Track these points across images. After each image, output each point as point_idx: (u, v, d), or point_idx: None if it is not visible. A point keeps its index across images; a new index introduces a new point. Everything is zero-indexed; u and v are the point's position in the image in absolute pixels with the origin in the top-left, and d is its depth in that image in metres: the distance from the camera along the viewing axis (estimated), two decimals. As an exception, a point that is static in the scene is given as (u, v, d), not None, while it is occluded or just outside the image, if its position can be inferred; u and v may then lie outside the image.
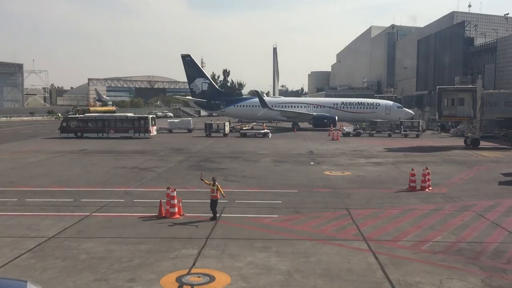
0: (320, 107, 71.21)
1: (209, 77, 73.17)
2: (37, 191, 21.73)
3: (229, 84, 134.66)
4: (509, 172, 28.25)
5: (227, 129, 57.12)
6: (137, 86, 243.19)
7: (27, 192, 21.49)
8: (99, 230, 15.45)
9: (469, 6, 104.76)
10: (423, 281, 11.36)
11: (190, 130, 62.64)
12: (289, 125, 70.87)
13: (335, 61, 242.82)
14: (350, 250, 13.75)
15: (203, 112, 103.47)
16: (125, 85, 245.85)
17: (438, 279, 11.45)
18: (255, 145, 45.08)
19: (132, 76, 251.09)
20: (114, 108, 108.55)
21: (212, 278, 11.35)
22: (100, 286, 10.84)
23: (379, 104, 70.97)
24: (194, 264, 12.29)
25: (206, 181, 17.48)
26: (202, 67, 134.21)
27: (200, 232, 15.30)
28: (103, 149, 40.94)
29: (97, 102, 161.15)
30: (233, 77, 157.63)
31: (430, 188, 23.25)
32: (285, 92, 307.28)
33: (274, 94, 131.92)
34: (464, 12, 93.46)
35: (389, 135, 57.88)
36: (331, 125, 65.22)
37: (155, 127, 54.52)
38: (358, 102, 71.59)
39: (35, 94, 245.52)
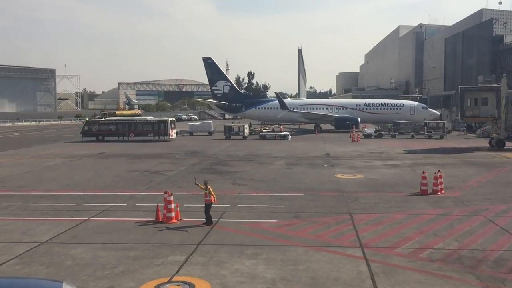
0: (343, 109, 70.23)
1: (230, 79, 73.20)
2: (43, 195, 21.93)
3: (254, 87, 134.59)
4: (530, 175, 27.06)
5: (246, 131, 56.90)
6: (165, 89, 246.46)
7: (33, 196, 21.71)
8: (92, 235, 15.38)
9: (500, 3, 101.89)
10: (412, 291, 10.81)
11: (210, 133, 62.71)
12: (311, 127, 70.30)
13: (364, 62, 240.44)
14: (343, 257, 13.26)
15: (228, 115, 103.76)
16: (154, 89, 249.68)
17: (428, 290, 10.88)
18: (272, 148, 44.71)
19: (161, 79, 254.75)
20: (139, 111, 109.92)
21: (191, 286, 11.07)
22: (77, 293, 10.69)
23: (403, 104, 69.50)
24: (177, 272, 12.03)
25: (200, 185, 17.23)
26: (226, 69, 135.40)
27: (193, 238, 15.05)
28: (120, 153, 41.31)
29: (126, 105, 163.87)
30: (259, 80, 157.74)
31: (443, 191, 22.41)
32: (313, 94, 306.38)
33: (299, 96, 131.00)
34: (493, 10, 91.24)
35: (412, 137, 56.59)
36: (353, 126, 64.24)
37: (174, 130, 54.78)
38: (381, 103, 70.30)
39: (67, 99, 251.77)
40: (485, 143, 46.26)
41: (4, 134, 69.87)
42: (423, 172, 22.98)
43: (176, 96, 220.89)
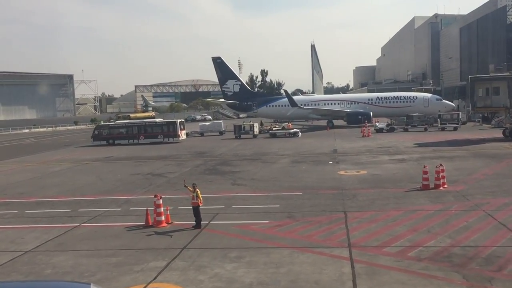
0: (355, 103, 69.30)
1: (241, 78, 72.96)
2: (41, 202, 22.00)
3: (267, 84, 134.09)
4: (540, 165, 26.14)
5: (256, 130, 56.58)
6: (182, 90, 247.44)
7: (31, 203, 21.79)
8: (78, 242, 15.28)
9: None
10: (392, 294, 10.40)
11: (221, 133, 62.56)
12: (324, 123, 69.57)
13: (380, 55, 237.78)
14: (328, 258, 12.88)
15: (242, 114, 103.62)
16: (170, 90, 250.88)
17: (408, 292, 10.46)
18: (280, 146, 44.33)
19: (177, 81, 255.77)
20: (153, 113, 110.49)
21: (164, 293, 10.86)
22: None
23: (416, 97, 68.25)
24: (155, 278, 11.81)
25: (189, 188, 17.00)
26: (239, 68, 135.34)
27: (179, 242, 14.84)
28: (127, 156, 41.43)
29: (144, 108, 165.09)
30: (273, 77, 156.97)
31: (446, 186, 21.79)
32: (330, 89, 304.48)
33: (313, 92, 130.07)
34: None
35: (425, 129, 55.53)
36: (366, 121, 63.30)
37: (184, 131, 54.80)
38: (394, 96, 69.15)
39: (86, 103, 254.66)
40: (499, 133, 45.04)
41: (19, 141, 70.91)
42: (424, 167, 22.36)
43: (192, 97, 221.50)
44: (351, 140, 47.09)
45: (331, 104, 69.45)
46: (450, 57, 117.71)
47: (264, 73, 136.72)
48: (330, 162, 31.96)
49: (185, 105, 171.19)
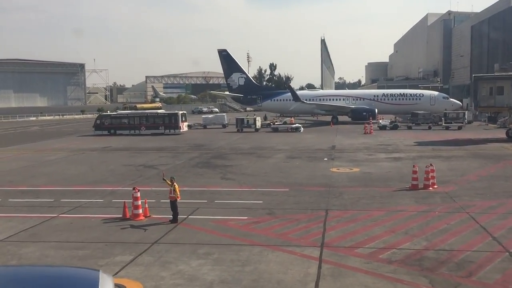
0: (360, 100, 68.66)
1: (246, 71, 72.52)
2: (26, 191, 21.95)
3: (276, 78, 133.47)
4: (536, 168, 25.56)
5: (258, 124, 56.25)
6: (192, 82, 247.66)
7: (16, 192, 21.76)
8: (52, 233, 15.18)
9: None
10: (351, 297, 10.13)
11: (224, 126, 62.31)
12: (329, 118, 68.94)
13: (393, 51, 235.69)
14: (297, 258, 12.63)
15: (249, 108, 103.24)
16: (181, 82, 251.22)
17: (369, 295, 10.18)
18: (279, 140, 44.00)
19: (188, 72, 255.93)
20: (160, 105, 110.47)
21: (121, 289, 10.66)
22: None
23: (422, 95, 67.49)
24: (116, 273, 11.61)
25: (167, 181, 16.78)
26: (248, 61, 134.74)
27: (151, 236, 14.66)
28: (125, 146, 41.39)
29: (154, 98, 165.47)
30: (283, 71, 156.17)
31: (435, 186, 21.38)
32: (342, 85, 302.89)
33: (322, 87, 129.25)
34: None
35: (429, 128, 54.83)
36: (370, 118, 62.68)
37: (185, 123, 54.69)
38: (400, 93, 68.39)
39: (97, 93, 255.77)
40: (504, 134, 44.30)
41: (23, 129, 71.32)
42: (414, 166, 21.94)
43: (202, 89, 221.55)
44: (352, 137, 46.62)
45: (336, 99, 68.88)
46: (462, 55, 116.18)
47: (272, 66, 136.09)
48: (325, 159, 31.63)
49: (194, 96, 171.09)
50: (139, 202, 16.81)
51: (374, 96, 69.34)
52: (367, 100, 68.28)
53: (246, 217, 16.84)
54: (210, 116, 67.88)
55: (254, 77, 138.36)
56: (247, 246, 13.64)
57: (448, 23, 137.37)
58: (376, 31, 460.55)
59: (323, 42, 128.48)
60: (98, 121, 55.04)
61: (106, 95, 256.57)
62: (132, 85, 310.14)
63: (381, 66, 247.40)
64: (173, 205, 16.28)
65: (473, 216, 16.34)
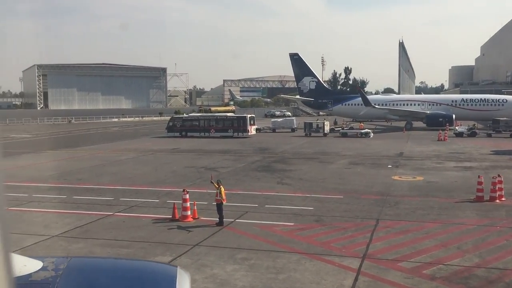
0: (437, 105, 65.69)
1: (317, 75, 71.87)
2: (90, 189, 23.13)
3: (351, 82, 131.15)
4: None
5: (326, 128, 55.50)
6: (269, 86, 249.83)
7: (81, 190, 22.99)
8: (103, 230, 15.86)
9: None
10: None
11: (293, 130, 62.14)
12: (403, 124, 66.55)
13: (479, 54, 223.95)
14: (334, 268, 12.27)
15: (321, 112, 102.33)
16: (257, 85, 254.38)
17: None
18: (346, 146, 43.11)
19: (264, 76, 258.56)
20: (233, 108, 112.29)
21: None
22: None
23: (506, 100, 63.32)
24: (152, 272, 11.91)
25: (215, 184, 16.95)
26: (322, 65, 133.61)
27: (195, 238, 14.89)
28: (193, 148, 42.47)
29: (230, 102, 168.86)
30: (359, 75, 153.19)
31: (503, 199, 19.92)
32: (424, 89, 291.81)
33: (399, 91, 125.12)
34: None
35: (511, 136, 51.24)
36: (447, 124, 59.83)
37: (254, 127, 55.18)
38: (481, 99, 64.61)
39: (177, 96, 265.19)
40: None
41: (104, 129, 75.45)
42: (479, 177, 20.58)
43: (278, 92, 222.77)
44: (423, 144, 44.66)
45: (411, 104, 66.36)
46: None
47: (347, 70, 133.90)
48: (389, 166, 30.55)
49: (268, 99, 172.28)
50: (188, 204, 17.13)
51: (452, 101, 66.08)
52: (444, 105, 65.20)
53: (292, 223, 16.63)
54: (279, 120, 67.97)
55: (329, 81, 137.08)
56: (287, 253, 13.45)
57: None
58: (460, 33, 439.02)
59: (401, 45, 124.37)
60: (170, 123, 56.99)
61: (185, 98, 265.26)
62: (211, 89, 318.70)
63: (466, 69, 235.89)
64: (219, 208, 16.43)
65: (539, 234, 15.02)
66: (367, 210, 18.58)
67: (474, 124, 57.08)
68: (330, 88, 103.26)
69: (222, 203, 16.47)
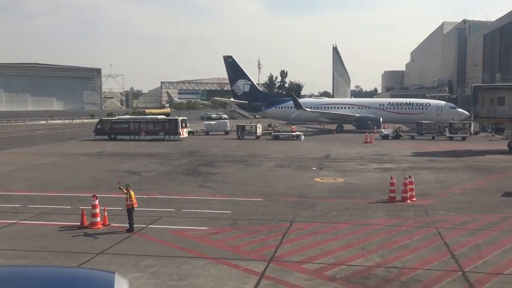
0: (365, 108, 67.92)
1: (251, 78, 72.32)
2: (-1, 196, 21.84)
3: (287, 85, 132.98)
4: (526, 182, 24.58)
5: (259, 131, 55.83)
6: (208, 88, 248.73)
7: (-13, 197, 21.64)
8: (2, 240, 14.90)
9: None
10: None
11: (227, 132, 62.02)
12: (335, 127, 68.14)
13: (410, 60, 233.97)
14: (239, 272, 12.16)
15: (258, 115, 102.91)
16: (196, 88, 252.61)
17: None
18: (276, 149, 43.51)
19: (203, 78, 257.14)
20: (169, 110, 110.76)
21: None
22: None
23: (429, 104, 66.52)
24: (46, 283, 11.29)
25: (123, 189, 16.43)
26: (258, 68, 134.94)
27: (100, 246, 14.30)
28: (119, 152, 41.28)
29: (165, 104, 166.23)
30: (295, 79, 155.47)
31: (414, 199, 20.70)
32: (358, 93, 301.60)
33: (333, 95, 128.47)
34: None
35: (433, 138, 53.79)
36: (375, 127, 62.02)
37: (185, 129, 54.53)
38: (406, 103, 67.53)
39: (113, 97, 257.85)
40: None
41: (29, 132, 71.95)
42: (391, 178, 21.31)
43: (217, 95, 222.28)
44: (350, 146, 45.91)
45: (341, 108, 68.19)
46: (476, 65, 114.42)
47: (283, 74, 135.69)
48: (313, 168, 31.06)
49: (206, 102, 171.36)
50: (97, 210, 16.49)
51: (380, 104, 68.58)
52: (372, 108, 67.52)
53: (206, 228, 16.40)
54: (213, 122, 67.64)
55: (265, 84, 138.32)
56: (193, 258, 13.20)
57: (463, 32, 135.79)
58: (393, 39, 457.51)
59: (335, 49, 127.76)
60: (98, 126, 55.22)
61: (121, 100, 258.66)
62: (149, 90, 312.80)
63: (398, 74, 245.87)
64: (129, 213, 15.94)
65: (440, 232, 15.67)
66: (283, 212, 18.69)
67: (399, 127, 59.53)
68: (266, 91, 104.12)
69: (133, 208, 15.98)
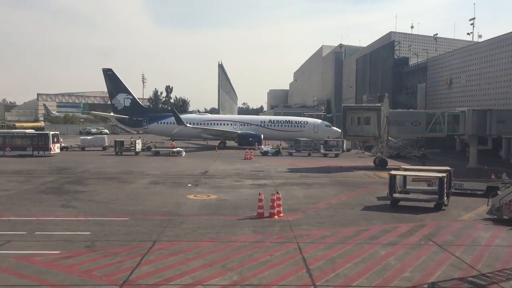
0: (247, 125, 69.20)
1: (132, 92, 70.13)
2: None
3: (172, 101, 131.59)
4: (384, 196, 26.31)
5: (138, 147, 54.18)
6: (90, 101, 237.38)
7: None
8: None
9: (412, 27, 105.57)
10: None
11: (104, 148, 59.34)
12: (217, 143, 68.38)
13: (293, 80, 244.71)
14: (85, 299, 11.22)
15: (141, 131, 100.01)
16: (77, 101, 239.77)
17: None
18: (155, 165, 42.38)
19: (86, 91, 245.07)
20: (42, 124, 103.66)
21: None
22: None
23: (307, 122, 69.63)
24: None
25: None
26: (143, 82, 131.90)
27: None
28: (-23, 169, 37.40)
29: (40, 118, 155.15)
30: (182, 94, 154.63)
31: (281, 214, 21.11)
32: (245, 110, 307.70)
33: (219, 111, 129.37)
34: (400, 32, 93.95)
35: (309, 155, 56.23)
36: (256, 143, 63.41)
37: (57, 145, 51.17)
38: (285, 120, 70.04)
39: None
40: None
41: None
42: (260, 194, 21.59)
43: (100, 109, 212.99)
44: (230, 162, 46.24)
45: (224, 124, 68.76)
46: (351, 86, 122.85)
47: (169, 89, 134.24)
48: (189, 185, 30.60)
49: (86, 116, 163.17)
50: None
51: (261, 122, 70.36)
52: (254, 125, 68.99)
53: (58, 251, 15.11)
54: (89, 137, 64.45)
55: (150, 99, 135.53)
56: (35, 287, 11.98)
57: (339, 55, 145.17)
58: (279, 59, 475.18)
59: (220, 67, 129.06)
60: (-43, 141, 49.73)
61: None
62: (24, 103, 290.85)
63: (282, 93, 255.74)
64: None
65: (300, 247, 16.03)
66: (148, 232, 17.93)
67: (279, 144, 61.38)
68: (151, 106, 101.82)
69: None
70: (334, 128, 69.74)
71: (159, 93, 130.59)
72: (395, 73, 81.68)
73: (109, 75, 68.66)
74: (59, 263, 14.01)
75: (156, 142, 61.49)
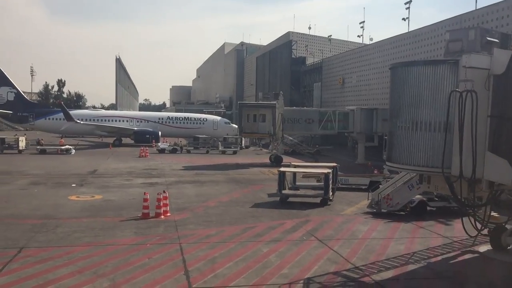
0: (145, 122, 67.17)
1: (16, 86, 64.86)
2: None
3: (66, 96, 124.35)
4: (274, 193, 26.53)
5: (21, 144, 50.17)
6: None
7: None
8: None
9: (309, 28, 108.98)
10: None
11: (-18, 146, 54.20)
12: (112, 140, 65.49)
13: (196, 76, 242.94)
14: None
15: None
16: None
17: None
18: (39, 164, 39.40)
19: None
20: None
21: None
22: None
23: (206, 119, 69.18)
24: None
25: None
26: (31, 76, 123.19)
27: None
28: None
29: None
30: (76, 89, 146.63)
31: (168, 214, 20.39)
32: (147, 106, 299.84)
33: (117, 107, 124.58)
34: (297, 33, 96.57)
35: (207, 152, 55.79)
36: (153, 140, 61.67)
37: None
38: (184, 117, 69.02)
39: None
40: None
41: None
42: (144, 194, 20.68)
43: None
44: (123, 160, 44.38)
45: (119, 121, 66.09)
46: (252, 84, 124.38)
47: (61, 83, 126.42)
48: (73, 185, 28.71)
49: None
50: None
51: (159, 118, 68.70)
52: (151, 122, 67.16)
53: None
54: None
55: (40, 93, 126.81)
56: None
57: (241, 53, 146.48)
58: (182, 54, 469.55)
59: (118, 61, 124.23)
60: None
61: None
62: None
63: (185, 89, 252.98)
64: None
65: (182, 247, 15.47)
66: (15, 238, 16.30)
67: (180, 141, 60.31)
68: (41, 101, 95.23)
69: None
70: (234, 125, 69.98)
71: (50, 87, 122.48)
72: (293, 72, 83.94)
73: (-10, 68, 62.95)
74: None
75: (42, 139, 57.32)
